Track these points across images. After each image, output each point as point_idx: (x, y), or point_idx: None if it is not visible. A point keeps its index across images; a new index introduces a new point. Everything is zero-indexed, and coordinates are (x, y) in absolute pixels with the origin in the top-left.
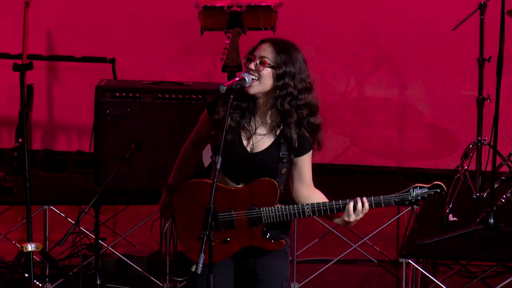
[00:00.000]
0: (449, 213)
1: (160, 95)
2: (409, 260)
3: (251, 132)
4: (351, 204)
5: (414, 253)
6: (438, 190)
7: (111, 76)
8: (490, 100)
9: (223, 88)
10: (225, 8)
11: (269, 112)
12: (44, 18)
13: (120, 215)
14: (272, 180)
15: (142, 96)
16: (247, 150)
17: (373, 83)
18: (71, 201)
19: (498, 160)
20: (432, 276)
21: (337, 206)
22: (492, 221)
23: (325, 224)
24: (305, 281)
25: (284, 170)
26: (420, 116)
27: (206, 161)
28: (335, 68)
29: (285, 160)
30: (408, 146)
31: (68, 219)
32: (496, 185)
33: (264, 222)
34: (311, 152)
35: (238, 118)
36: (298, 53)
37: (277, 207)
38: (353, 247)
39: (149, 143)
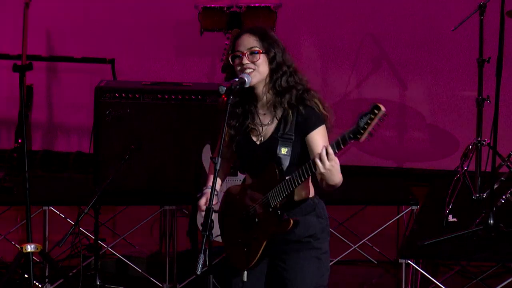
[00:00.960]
0: (449, 213)
1: (159, 96)
2: (409, 261)
3: (258, 128)
4: (316, 155)
5: (414, 254)
6: (376, 111)
7: (111, 76)
8: (489, 101)
9: (222, 89)
10: (225, 8)
11: (269, 99)
12: (44, 18)
13: (120, 215)
14: (271, 163)
15: (141, 96)
16: (256, 143)
17: (372, 83)
18: (70, 201)
19: (498, 160)
20: (432, 277)
21: (313, 162)
22: (491, 221)
23: None
24: None
25: (284, 150)
26: (420, 117)
27: (206, 162)
28: (334, 68)
29: (283, 138)
30: (407, 147)
31: (68, 219)
32: (495, 186)
33: (272, 204)
34: (320, 129)
35: (237, 125)
36: (273, 33)
37: (279, 185)
38: (352, 248)
39: (148, 144)
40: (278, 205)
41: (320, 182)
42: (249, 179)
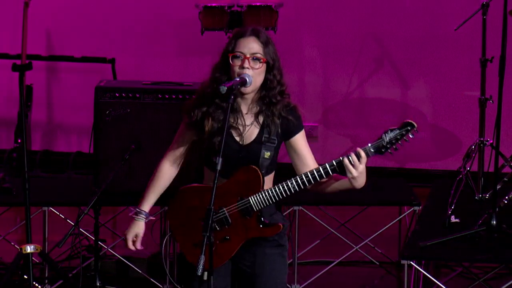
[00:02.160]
0: (451, 214)
1: (160, 96)
2: (411, 262)
3: (240, 127)
4: (345, 160)
5: (416, 255)
6: (409, 128)
7: (111, 76)
8: (492, 101)
9: (223, 89)
10: (226, 8)
11: (254, 103)
12: (44, 18)
13: (120, 216)
14: (252, 166)
15: (142, 96)
16: (239, 143)
17: (374, 83)
18: (70, 202)
19: (501, 161)
20: (434, 278)
21: (325, 170)
22: (494, 222)
23: (326, 226)
24: (306, 283)
25: (267, 154)
26: (422, 117)
27: None
28: (336, 68)
29: (267, 143)
30: (410, 147)
31: (68, 220)
32: (498, 186)
33: (255, 209)
34: (303, 132)
35: (221, 118)
36: (272, 40)
37: (265, 190)
38: (354, 249)
39: (149, 144)
40: (260, 210)
41: (318, 186)
42: (209, 177)
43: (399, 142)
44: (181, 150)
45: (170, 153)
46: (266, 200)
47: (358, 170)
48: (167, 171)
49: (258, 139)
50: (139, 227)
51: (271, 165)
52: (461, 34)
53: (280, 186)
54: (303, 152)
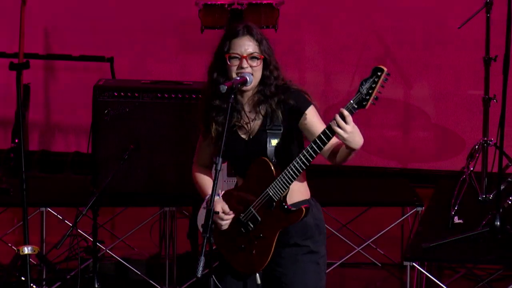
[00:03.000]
0: (455, 215)
1: (159, 95)
2: (414, 263)
3: (245, 125)
4: (331, 123)
5: (419, 256)
6: (379, 73)
7: (110, 75)
8: (496, 100)
9: (223, 88)
10: (226, 6)
11: (255, 99)
12: (41, 16)
13: (119, 217)
14: (261, 157)
15: (141, 95)
16: (245, 140)
17: None
18: (68, 203)
19: (505, 161)
20: (437, 280)
21: (324, 134)
22: (498, 223)
23: (328, 227)
24: None
25: (274, 142)
26: (425, 117)
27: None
28: (338, 67)
29: (272, 131)
30: (412, 147)
31: (66, 221)
32: (502, 187)
33: (275, 199)
34: (311, 109)
35: (222, 120)
36: (263, 33)
37: (279, 176)
38: (356, 250)
39: (148, 144)
40: (281, 198)
41: (333, 158)
42: (239, 181)
43: (377, 89)
44: (204, 158)
45: (196, 163)
46: (283, 186)
47: (347, 131)
48: (200, 174)
49: (262, 129)
50: (218, 203)
51: (285, 153)
52: (464, 33)
53: (289, 168)
54: (317, 127)
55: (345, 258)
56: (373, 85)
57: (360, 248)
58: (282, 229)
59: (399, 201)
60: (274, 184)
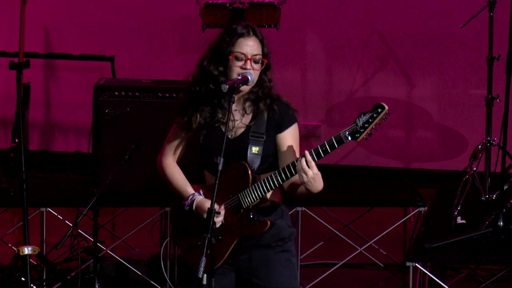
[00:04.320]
0: (458, 215)
1: (160, 94)
2: (417, 264)
3: (230, 122)
4: (301, 160)
5: (421, 257)
6: (379, 110)
7: (110, 74)
8: (499, 100)
9: (225, 87)
10: (227, 4)
11: (244, 99)
12: (41, 15)
13: (119, 217)
14: (242, 162)
15: (142, 95)
16: (228, 138)
17: (379, 82)
18: (69, 203)
19: (508, 161)
20: (440, 281)
21: (288, 169)
22: (501, 223)
23: (330, 227)
24: (309, 285)
25: (255, 149)
26: (428, 116)
27: None
28: (340, 66)
29: (255, 138)
30: (415, 147)
31: (66, 221)
32: (505, 187)
33: (244, 206)
34: (293, 127)
35: (208, 114)
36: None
37: (252, 186)
38: (358, 251)
39: (149, 144)
40: (250, 207)
41: (291, 190)
42: (210, 178)
43: (373, 126)
44: (177, 151)
45: (167, 155)
46: (254, 196)
47: (308, 175)
48: (175, 166)
49: (245, 134)
50: (202, 203)
51: (264, 163)
52: (467, 32)
53: (262, 181)
54: (285, 153)
55: (347, 259)
56: (370, 120)
57: (362, 248)
58: (240, 238)
59: (401, 201)
60: (246, 191)
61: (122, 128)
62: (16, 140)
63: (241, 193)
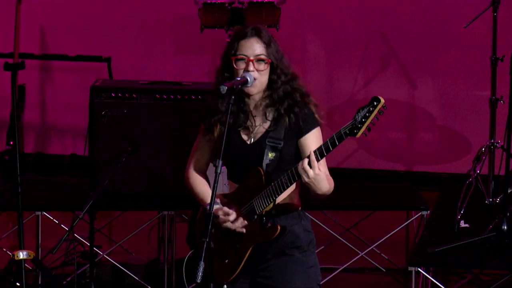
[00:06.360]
0: (461, 219)
1: (158, 96)
2: (419, 269)
3: (250, 128)
4: (303, 161)
5: (424, 261)
6: (375, 103)
7: (107, 75)
8: (503, 101)
9: (224, 89)
10: (226, 4)
11: (263, 104)
12: (37, 15)
13: (116, 221)
14: (256, 167)
15: (139, 96)
16: (246, 143)
17: (380, 83)
18: (64, 206)
19: None
20: (443, 285)
21: (291, 172)
22: (505, 227)
23: (331, 231)
24: None
25: (271, 155)
26: (430, 118)
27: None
28: (341, 67)
29: (272, 144)
30: (417, 149)
31: (62, 225)
32: (509, 190)
33: (258, 211)
34: (315, 131)
35: (231, 121)
36: (274, 38)
37: (264, 190)
38: (360, 255)
39: (146, 146)
40: (263, 212)
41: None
42: (232, 186)
43: (371, 120)
44: (202, 160)
45: (192, 166)
46: (266, 200)
47: (309, 175)
48: (197, 177)
49: (262, 139)
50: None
51: (278, 169)
52: (471, 32)
53: (273, 184)
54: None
55: (349, 263)
56: (367, 114)
57: (364, 253)
58: (255, 245)
59: (403, 205)
60: (259, 196)
61: (119, 130)
62: (11, 143)
63: (255, 199)
